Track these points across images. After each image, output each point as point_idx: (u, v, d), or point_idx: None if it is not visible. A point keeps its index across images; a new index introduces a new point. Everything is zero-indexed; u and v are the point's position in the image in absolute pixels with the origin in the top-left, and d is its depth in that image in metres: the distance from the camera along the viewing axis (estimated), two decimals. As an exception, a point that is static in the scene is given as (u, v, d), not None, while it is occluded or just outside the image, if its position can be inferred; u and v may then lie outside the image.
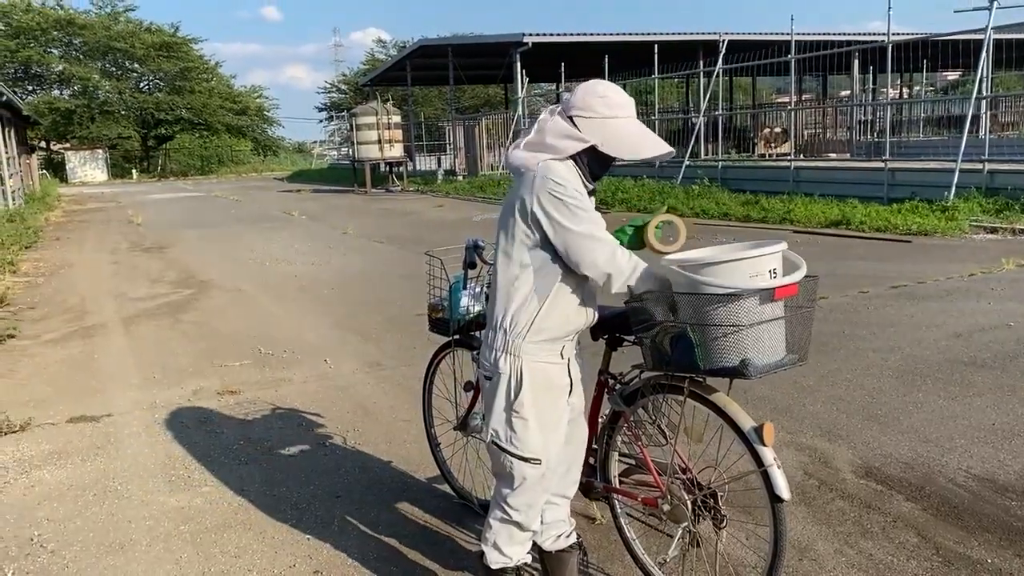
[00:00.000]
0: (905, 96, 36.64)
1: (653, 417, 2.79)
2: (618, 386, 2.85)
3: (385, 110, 27.08)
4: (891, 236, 11.00)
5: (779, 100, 44.65)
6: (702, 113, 19.49)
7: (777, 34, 22.47)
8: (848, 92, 40.06)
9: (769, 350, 2.34)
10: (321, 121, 65.33)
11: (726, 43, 18.06)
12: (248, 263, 11.75)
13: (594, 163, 2.49)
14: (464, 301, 3.34)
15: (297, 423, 4.90)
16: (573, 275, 2.48)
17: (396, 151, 27.87)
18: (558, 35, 24.63)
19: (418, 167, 34.41)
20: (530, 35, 24.01)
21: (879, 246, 10.42)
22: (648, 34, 23.56)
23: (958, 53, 22.97)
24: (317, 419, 4.94)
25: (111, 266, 12.05)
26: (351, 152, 29.37)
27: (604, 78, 22.41)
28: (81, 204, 27.39)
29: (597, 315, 2.64)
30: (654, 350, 2.52)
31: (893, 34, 14.19)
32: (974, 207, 11.82)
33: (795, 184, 15.88)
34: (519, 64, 24.68)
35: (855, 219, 12.18)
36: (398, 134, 27.99)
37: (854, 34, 23.73)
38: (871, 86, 32.11)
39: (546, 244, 2.45)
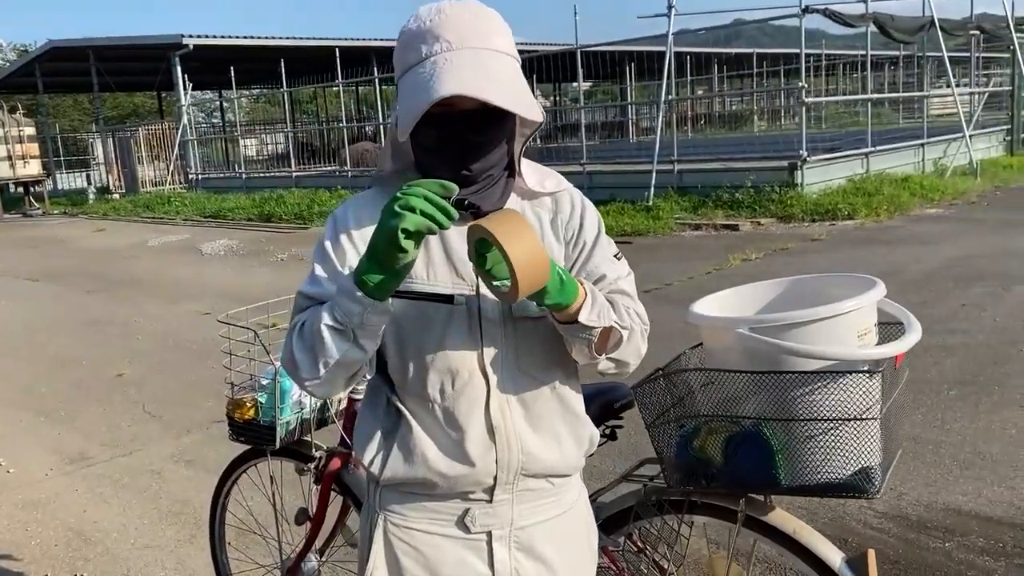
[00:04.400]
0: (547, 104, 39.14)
1: (641, 545, 1.88)
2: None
3: (14, 121, 22.94)
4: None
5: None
6: (391, 120, 18.75)
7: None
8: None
9: (882, 446, 1.54)
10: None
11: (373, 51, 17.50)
12: None
13: (423, 157, 1.40)
14: (297, 394, 2.16)
15: (-23, 576, 3.27)
16: (410, 371, 1.42)
17: (32, 169, 23.71)
18: (223, 37, 22.46)
19: (60, 186, 29.87)
20: (190, 36, 21.63)
21: (603, 249, 10.36)
22: (328, 38, 22.36)
23: (600, 63, 24.68)
24: (9, 563, 3.35)
25: None
26: (-28, 172, 24.55)
27: (282, 85, 20.77)
28: None
29: (510, 461, 1.41)
30: (688, 459, 1.61)
31: (582, 46, 14.52)
32: (673, 206, 12.33)
33: (495, 190, 15.76)
34: (179, 69, 22.16)
35: (568, 223, 12.15)
36: (33, 148, 23.84)
37: (538, 43, 24.46)
38: (535, 95, 33.75)
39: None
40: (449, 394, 1.38)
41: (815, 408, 1.46)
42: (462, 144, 1.33)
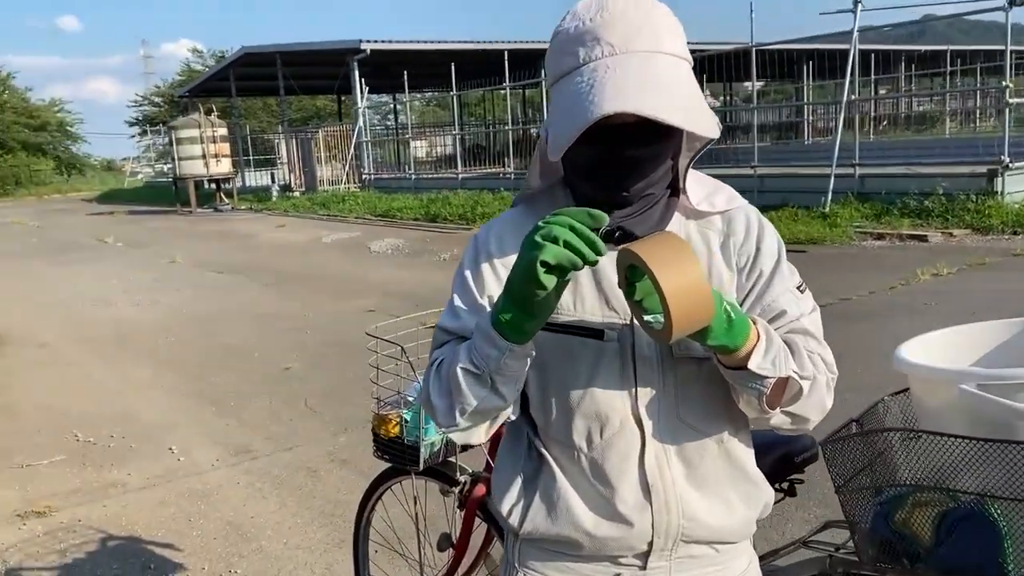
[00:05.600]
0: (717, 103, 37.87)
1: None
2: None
3: (209, 122, 24.70)
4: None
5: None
6: (540, 131, 18.64)
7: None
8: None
9: None
10: (133, 136, 60.21)
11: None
12: (55, 306, 9.68)
13: (575, 175, 1.22)
14: (443, 413, 2.04)
15: (143, 562, 3.39)
16: (554, 410, 1.25)
17: (223, 166, 25.51)
18: (399, 42, 23.28)
19: (247, 183, 31.97)
20: (368, 41, 22.53)
21: (773, 258, 9.82)
22: (497, 42, 22.65)
23: (775, 62, 23.63)
24: (171, 553, 3.45)
25: None
26: (173, 169, 26.70)
27: (451, 88, 21.20)
28: None
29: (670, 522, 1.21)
30: (887, 534, 1.34)
31: (757, 44, 13.91)
32: (852, 213, 11.55)
33: (661, 193, 15.36)
34: (357, 73, 23.13)
35: (736, 229, 11.65)
36: (225, 148, 25.64)
37: (708, 42, 23.82)
38: (704, 94, 32.77)
39: None
40: (597, 443, 1.21)
41: (1062, 488, 1.17)
42: (621, 163, 1.14)
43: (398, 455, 2.11)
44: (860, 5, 11.94)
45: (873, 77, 27.89)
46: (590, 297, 1.21)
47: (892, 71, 30.96)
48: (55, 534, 3.67)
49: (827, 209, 11.69)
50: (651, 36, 1.11)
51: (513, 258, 1.24)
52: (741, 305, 1.23)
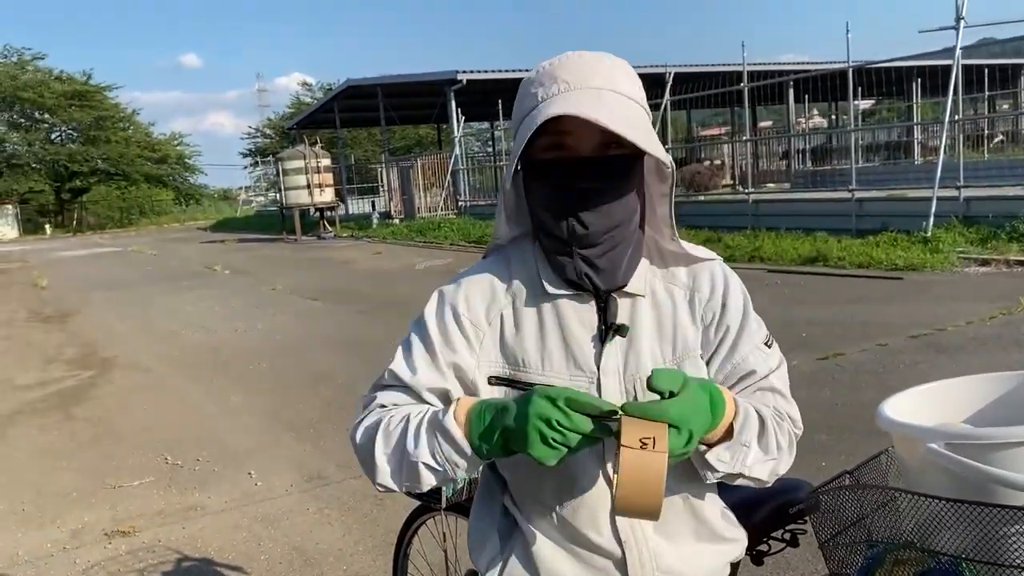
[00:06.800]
0: (821, 125, 36.72)
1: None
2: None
3: (314, 153, 25.70)
4: (878, 273, 10.10)
5: (704, 134, 44.22)
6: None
7: (719, 65, 21.98)
8: (768, 123, 40.24)
9: None
10: (246, 167, 63.27)
11: (672, 75, 17.31)
12: (160, 332, 10.24)
13: (543, 234, 1.28)
14: (462, 452, 2.09)
15: (211, 585, 3.55)
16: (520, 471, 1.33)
17: (327, 195, 26.46)
18: (493, 71, 23.69)
19: (351, 211, 33.03)
20: (464, 72, 23.05)
21: (869, 285, 9.49)
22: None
23: (884, 80, 22.81)
24: (238, 576, 3.60)
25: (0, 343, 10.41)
26: (279, 198, 27.86)
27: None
28: (-17, 265, 25.20)
29: None
30: (869, 593, 1.31)
31: (852, 62, 13.54)
32: (956, 237, 11.05)
33: (755, 218, 15.06)
34: (454, 102, 23.65)
35: (831, 255, 11.31)
36: (328, 178, 26.61)
37: (799, 63, 23.37)
38: (809, 115, 32.00)
39: None
40: (568, 502, 1.24)
41: (1036, 553, 1.12)
42: (576, 195, 1.17)
43: (424, 492, 2.16)
44: (963, 22, 11.48)
45: (987, 93, 26.64)
46: (557, 357, 1.24)
47: (1012, 86, 29.47)
48: (136, 554, 3.89)
49: (928, 234, 11.22)
50: (606, 77, 1.16)
51: (481, 312, 1.29)
52: (710, 361, 1.24)
